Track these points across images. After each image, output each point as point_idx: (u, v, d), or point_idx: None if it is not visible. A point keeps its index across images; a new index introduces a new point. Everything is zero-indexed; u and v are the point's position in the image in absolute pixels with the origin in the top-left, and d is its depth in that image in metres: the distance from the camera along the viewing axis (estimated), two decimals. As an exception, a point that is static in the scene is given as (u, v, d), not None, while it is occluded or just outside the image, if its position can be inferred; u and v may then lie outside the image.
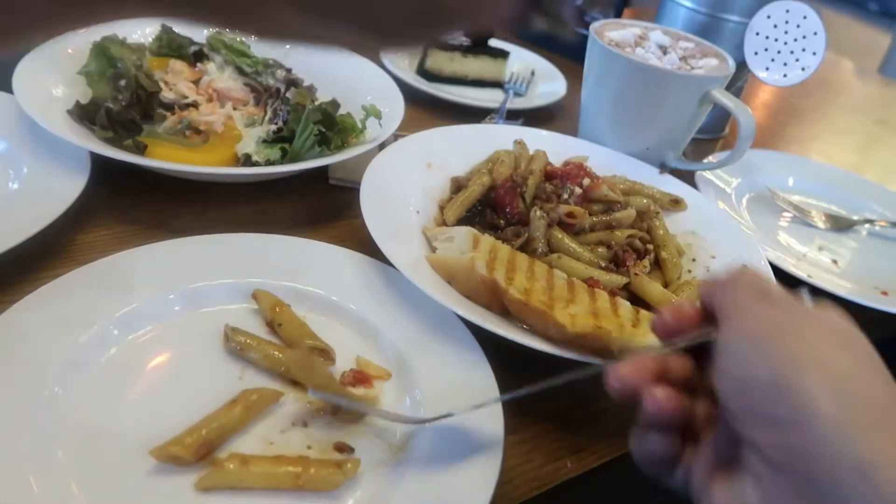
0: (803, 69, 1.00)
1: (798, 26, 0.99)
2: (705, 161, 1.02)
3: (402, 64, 1.25)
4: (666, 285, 0.80)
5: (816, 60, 0.99)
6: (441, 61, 1.24)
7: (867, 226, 1.09)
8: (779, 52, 1.01)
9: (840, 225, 1.07)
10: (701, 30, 1.14)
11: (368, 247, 0.74)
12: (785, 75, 1.00)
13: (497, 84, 1.29)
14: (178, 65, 0.96)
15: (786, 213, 1.07)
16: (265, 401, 0.57)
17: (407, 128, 0.95)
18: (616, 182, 0.91)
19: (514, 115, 1.18)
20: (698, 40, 1.05)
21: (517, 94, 1.25)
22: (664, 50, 1.00)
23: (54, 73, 0.88)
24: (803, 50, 1.00)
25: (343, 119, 0.87)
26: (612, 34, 1.01)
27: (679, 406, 0.43)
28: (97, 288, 0.62)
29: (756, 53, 1.02)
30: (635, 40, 1.02)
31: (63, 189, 0.72)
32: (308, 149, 0.83)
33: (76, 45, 0.92)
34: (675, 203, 0.93)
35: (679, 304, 0.47)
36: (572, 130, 1.07)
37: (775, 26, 1.00)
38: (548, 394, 0.67)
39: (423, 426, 0.57)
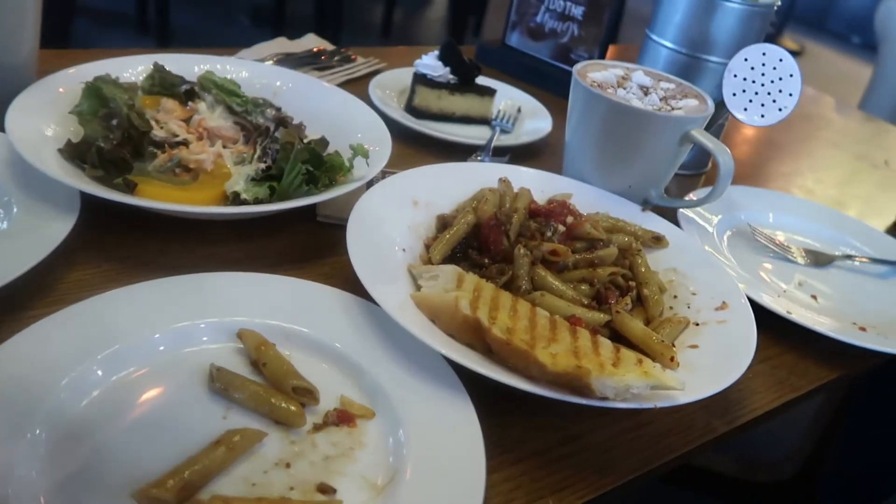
0: (780, 110, 1.03)
1: (774, 68, 1.02)
2: (686, 198, 1.04)
3: (391, 102, 1.27)
4: (648, 322, 0.82)
5: (793, 101, 1.01)
6: (429, 99, 1.26)
7: (847, 261, 1.11)
8: (756, 93, 1.03)
9: (820, 260, 1.09)
10: (682, 69, 1.18)
11: (356, 284, 0.75)
12: (762, 115, 1.03)
13: (484, 121, 1.32)
14: (169, 103, 0.98)
15: (766, 249, 1.09)
16: (248, 441, 0.57)
17: (395, 164, 0.96)
18: (599, 220, 0.93)
19: (500, 152, 1.20)
20: (679, 81, 1.08)
21: (504, 131, 1.28)
22: (645, 91, 1.03)
23: (46, 112, 0.89)
24: (780, 91, 1.02)
25: (331, 158, 0.89)
26: (594, 75, 1.04)
27: None
28: (81, 329, 0.62)
29: (734, 94, 1.05)
30: (618, 81, 1.04)
31: (52, 228, 0.73)
32: (296, 187, 0.84)
33: (68, 84, 0.93)
34: (657, 240, 0.94)
35: None
36: (558, 166, 1.09)
37: (752, 68, 1.03)
38: (531, 431, 0.68)
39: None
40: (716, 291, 0.85)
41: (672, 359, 0.72)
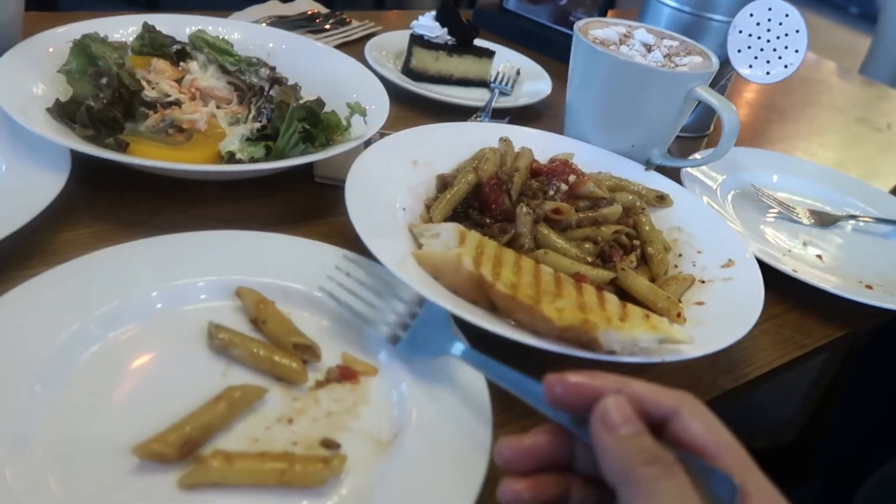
0: (786, 66, 1.01)
1: (780, 24, 1.00)
2: (690, 158, 1.02)
3: (388, 63, 1.24)
4: (653, 280, 0.80)
5: (799, 58, 0.99)
6: (426, 61, 1.23)
7: (851, 221, 1.10)
8: (762, 49, 1.01)
9: (824, 221, 1.08)
10: (685, 29, 1.15)
11: (354, 244, 0.74)
12: (768, 73, 1.01)
13: (482, 83, 1.29)
14: (160, 63, 0.95)
15: (770, 210, 1.07)
16: (249, 397, 0.56)
17: (392, 127, 0.94)
18: (602, 179, 0.92)
19: (500, 114, 1.18)
20: (682, 38, 1.06)
21: (503, 94, 1.25)
22: (648, 48, 1.01)
23: (34, 71, 0.86)
24: (786, 48, 1.00)
25: (328, 117, 0.86)
26: (596, 32, 1.01)
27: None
28: (77, 285, 0.61)
29: (739, 51, 1.03)
30: (619, 39, 1.02)
31: (42, 187, 0.71)
32: (293, 146, 0.82)
33: (56, 43, 0.90)
34: (661, 199, 0.93)
35: (584, 382, 0.44)
36: (558, 129, 1.07)
37: (758, 24, 1.01)
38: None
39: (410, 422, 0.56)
40: (721, 249, 0.84)
41: (679, 314, 0.71)
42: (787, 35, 1.00)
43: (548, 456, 0.45)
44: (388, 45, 1.31)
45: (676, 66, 0.97)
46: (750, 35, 1.01)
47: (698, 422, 0.42)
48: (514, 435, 0.46)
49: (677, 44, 1.04)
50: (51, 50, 0.90)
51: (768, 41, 1.01)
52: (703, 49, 1.03)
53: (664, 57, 0.99)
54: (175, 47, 0.99)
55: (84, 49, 0.88)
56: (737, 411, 0.70)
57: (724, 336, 0.68)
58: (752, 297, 0.74)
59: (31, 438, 0.50)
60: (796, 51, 1.00)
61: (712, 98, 0.93)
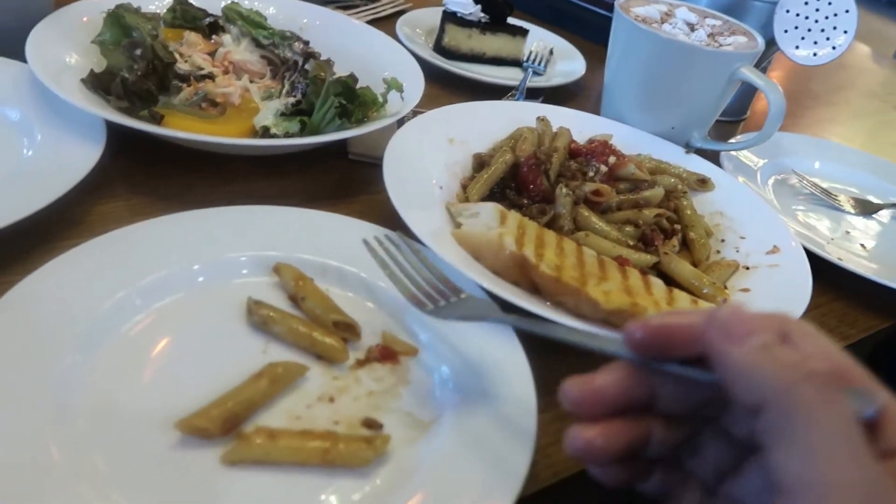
0: (834, 48, 0.97)
1: (829, 3, 0.96)
2: (732, 141, 0.99)
3: (419, 41, 1.22)
4: (695, 266, 0.78)
5: (848, 38, 0.96)
6: (459, 38, 1.21)
7: (894, 210, 1.07)
8: (809, 30, 0.98)
9: (867, 209, 1.04)
10: (725, 9, 1.11)
11: (390, 223, 0.72)
12: (815, 53, 0.98)
13: (515, 62, 1.26)
14: (192, 36, 0.94)
15: (813, 197, 1.04)
16: (291, 375, 0.55)
17: (424, 105, 0.92)
18: (642, 161, 0.89)
19: (533, 94, 1.16)
20: (725, 18, 1.03)
21: (536, 73, 1.23)
22: (691, 27, 0.98)
23: (68, 41, 0.85)
24: (834, 28, 0.97)
25: (364, 92, 0.85)
26: (637, 10, 0.98)
27: (611, 447, 0.39)
28: (120, 256, 0.60)
29: (786, 31, 0.99)
30: (661, 17, 0.99)
31: (78, 159, 0.70)
32: (329, 122, 0.81)
33: (90, 13, 0.89)
34: (703, 183, 0.90)
35: (671, 322, 0.39)
36: (592, 110, 1.04)
37: (806, 3, 0.97)
38: (578, 372, 0.66)
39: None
40: (766, 235, 0.81)
41: (725, 300, 0.69)
42: (835, 15, 0.97)
43: (623, 397, 0.39)
44: (420, 21, 1.28)
45: (721, 45, 0.94)
46: (797, 15, 0.98)
47: (812, 343, 0.35)
48: (581, 375, 0.40)
49: (720, 23, 1.01)
50: (84, 19, 0.89)
51: (816, 21, 0.98)
52: (748, 28, 1.00)
53: (708, 36, 0.96)
54: (207, 20, 0.97)
55: (118, 19, 0.86)
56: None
57: (773, 323, 0.65)
58: (799, 286, 0.72)
59: (72, 408, 0.49)
60: (845, 31, 0.97)
61: (758, 79, 0.90)
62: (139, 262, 0.60)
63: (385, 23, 1.30)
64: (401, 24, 1.21)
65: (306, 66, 0.90)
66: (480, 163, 0.86)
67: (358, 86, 0.90)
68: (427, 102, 0.94)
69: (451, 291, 0.58)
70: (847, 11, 0.96)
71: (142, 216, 0.69)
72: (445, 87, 1.13)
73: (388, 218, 0.72)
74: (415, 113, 0.90)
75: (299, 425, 0.52)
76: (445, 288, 0.59)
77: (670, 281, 0.73)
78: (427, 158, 0.81)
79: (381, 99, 0.86)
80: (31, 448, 0.45)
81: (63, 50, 0.84)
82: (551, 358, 0.63)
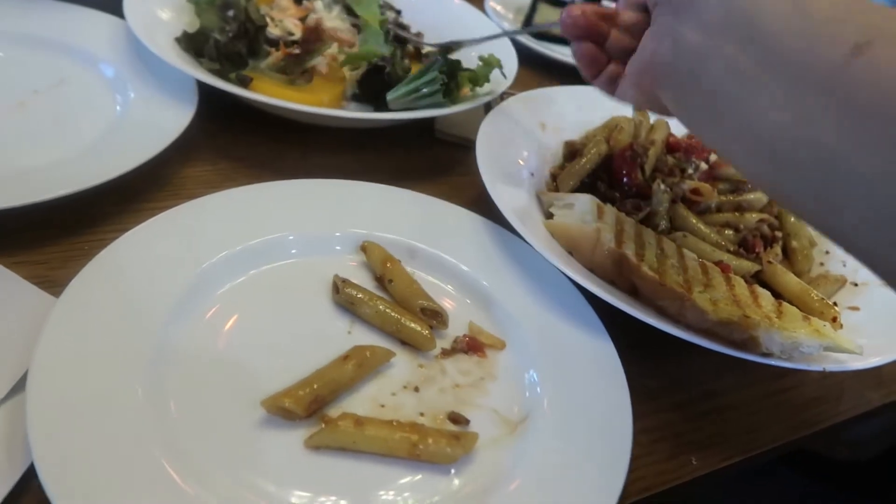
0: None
1: None
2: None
3: (508, 17, 1.17)
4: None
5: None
6: (550, 17, 1.16)
7: None
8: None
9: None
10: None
11: (476, 206, 0.70)
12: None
13: (605, 47, 1.20)
14: (283, 1, 0.92)
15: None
16: (378, 360, 0.53)
17: (512, 87, 0.88)
18: (744, 160, 0.84)
19: (624, 82, 1.10)
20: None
21: (627, 60, 1.17)
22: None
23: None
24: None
25: (465, 73, 0.81)
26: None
27: (590, 22, 0.57)
28: (216, 220, 0.59)
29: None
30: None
31: (170, 120, 0.70)
32: (428, 96, 0.77)
33: (185, -29, 0.88)
34: (808, 189, 0.84)
35: None
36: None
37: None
38: (669, 383, 0.62)
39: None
40: (878, 250, 0.75)
41: (835, 319, 0.64)
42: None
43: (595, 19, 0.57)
44: (508, -1, 1.24)
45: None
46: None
47: None
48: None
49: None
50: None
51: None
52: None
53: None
54: (299, -15, 0.95)
55: (213, -22, 0.85)
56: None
57: (891, 348, 0.60)
58: (917, 307, 0.66)
59: (163, 377, 0.48)
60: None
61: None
62: (237, 227, 0.59)
63: (473, -2, 1.26)
64: (490, 0, 1.17)
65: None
66: (572, 151, 0.82)
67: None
68: (515, 84, 0.90)
69: None
70: None
71: (230, 182, 0.68)
72: (534, 68, 1.09)
73: (475, 200, 0.69)
74: (502, 97, 0.86)
75: (384, 414, 0.50)
76: None
77: (772, 292, 0.69)
78: (518, 143, 0.78)
79: (484, 77, 0.82)
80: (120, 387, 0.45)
81: (156, 4, 0.83)
82: (638, 367, 0.60)
